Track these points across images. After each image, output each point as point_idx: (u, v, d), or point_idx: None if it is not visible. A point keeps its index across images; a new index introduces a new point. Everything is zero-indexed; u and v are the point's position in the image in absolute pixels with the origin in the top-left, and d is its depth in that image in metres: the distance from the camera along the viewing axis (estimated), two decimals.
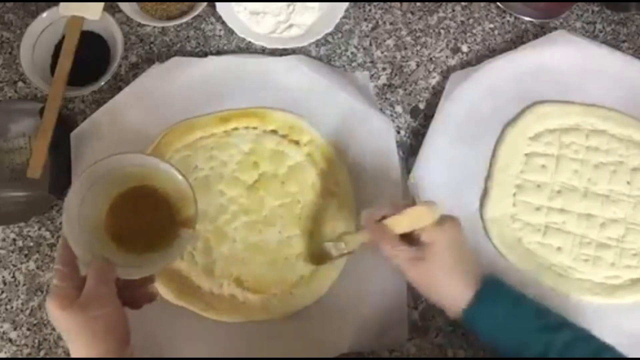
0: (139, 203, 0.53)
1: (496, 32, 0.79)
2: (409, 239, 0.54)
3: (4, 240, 0.67)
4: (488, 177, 0.69)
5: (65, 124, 0.69)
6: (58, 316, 0.45)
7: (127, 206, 0.53)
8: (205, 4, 0.75)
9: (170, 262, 0.51)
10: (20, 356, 0.63)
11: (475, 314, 0.52)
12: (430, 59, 0.77)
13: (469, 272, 0.53)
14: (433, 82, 0.76)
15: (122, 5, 0.74)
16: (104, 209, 0.52)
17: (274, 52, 0.75)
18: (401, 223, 0.54)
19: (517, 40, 0.78)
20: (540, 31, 0.78)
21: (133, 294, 0.50)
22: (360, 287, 0.63)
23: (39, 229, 0.67)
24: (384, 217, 0.54)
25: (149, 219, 0.53)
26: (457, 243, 0.54)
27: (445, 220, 0.54)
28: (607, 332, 0.63)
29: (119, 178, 0.52)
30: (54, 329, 0.63)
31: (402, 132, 0.73)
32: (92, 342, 0.45)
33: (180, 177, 0.51)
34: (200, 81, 0.71)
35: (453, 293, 0.53)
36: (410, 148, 0.72)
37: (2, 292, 0.65)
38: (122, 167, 0.51)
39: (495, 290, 0.53)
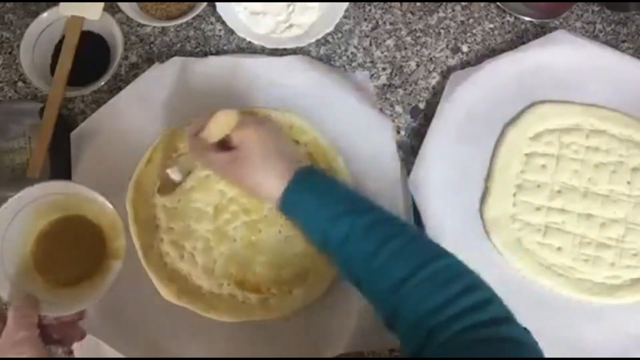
0: (67, 234, 0.50)
1: (496, 32, 0.79)
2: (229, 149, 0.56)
3: None
4: (488, 177, 0.69)
5: (65, 124, 0.69)
6: None
7: (55, 237, 0.50)
8: (205, 4, 0.75)
9: (100, 296, 0.46)
10: None
11: (286, 202, 0.53)
12: (430, 59, 0.77)
13: (283, 164, 0.54)
14: (433, 82, 0.76)
15: (122, 5, 0.74)
16: (30, 240, 0.49)
17: (274, 52, 0.75)
18: (211, 132, 0.56)
19: (517, 40, 0.78)
20: (540, 31, 0.78)
21: (62, 332, 0.47)
22: None
23: None
24: (196, 134, 0.57)
25: (78, 250, 0.51)
26: (266, 136, 0.55)
27: (249, 122, 0.56)
28: (607, 332, 0.63)
29: (45, 207, 0.49)
30: None
31: (402, 132, 0.73)
32: None
33: (109, 206, 0.49)
34: (200, 81, 0.71)
35: (269, 184, 0.54)
36: (410, 148, 0.72)
37: None
38: (47, 195, 0.48)
39: (306, 178, 0.54)
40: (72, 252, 0.51)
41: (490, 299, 0.46)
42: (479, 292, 0.46)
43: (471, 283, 0.46)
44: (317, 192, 0.53)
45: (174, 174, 0.62)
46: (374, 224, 0.51)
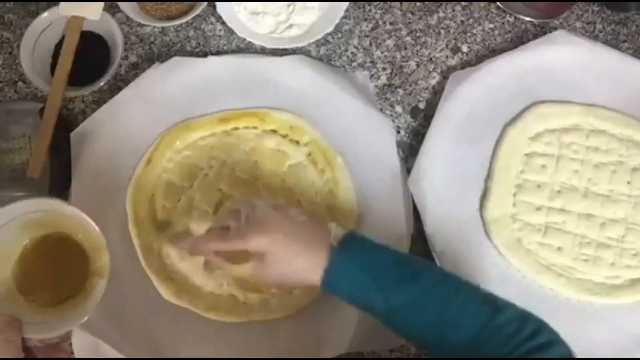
0: (49, 252, 0.49)
1: (496, 32, 0.79)
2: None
3: None
4: (488, 177, 0.69)
5: (65, 124, 0.69)
6: None
7: (38, 256, 0.49)
8: (205, 4, 0.75)
9: (85, 316, 0.46)
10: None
11: (330, 285, 0.50)
12: (430, 59, 0.77)
13: (312, 249, 0.51)
14: (433, 82, 0.76)
15: (122, 5, 0.74)
16: (12, 259, 0.48)
17: (274, 52, 0.75)
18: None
19: (517, 40, 0.78)
20: (540, 31, 0.78)
21: (47, 353, 0.46)
22: None
23: None
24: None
25: (61, 269, 0.50)
26: (280, 233, 0.51)
27: (254, 220, 0.52)
28: (607, 333, 0.63)
29: (26, 225, 0.48)
30: None
31: (402, 132, 0.73)
32: None
33: (91, 224, 0.47)
34: (200, 81, 0.71)
35: (307, 275, 0.51)
36: (410, 148, 0.72)
37: None
38: (28, 213, 0.47)
39: (343, 253, 0.51)
40: (55, 271, 0.50)
41: (555, 340, 0.46)
42: (544, 335, 0.46)
43: (536, 328, 0.46)
44: (359, 265, 0.50)
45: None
46: (428, 289, 0.49)
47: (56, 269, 0.50)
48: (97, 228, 0.48)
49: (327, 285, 0.50)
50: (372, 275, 0.50)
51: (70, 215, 0.48)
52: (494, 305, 0.48)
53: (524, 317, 0.47)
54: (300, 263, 0.51)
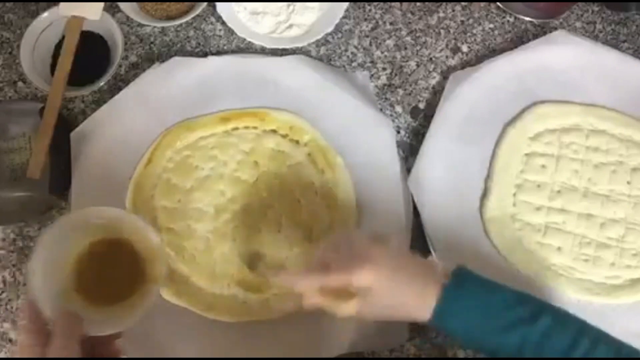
0: (108, 256, 0.51)
1: (496, 32, 0.79)
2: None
3: (4, 240, 0.67)
4: (488, 177, 0.69)
5: (65, 124, 0.69)
6: None
7: (96, 259, 0.51)
8: (205, 4, 0.75)
9: (137, 318, 0.47)
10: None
11: (441, 321, 0.49)
12: (430, 59, 0.77)
13: (419, 285, 0.50)
14: (433, 82, 0.76)
15: (122, 5, 0.74)
16: (72, 261, 0.50)
17: (274, 52, 0.75)
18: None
19: (517, 40, 0.78)
20: (540, 31, 0.78)
21: (99, 350, 0.47)
22: None
23: (39, 229, 0.67)
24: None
25: (118, 272, 0.51)
26: (387, 270, 0.49)
27: (362, 254, 0.50)
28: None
29: (87, 229, 0.50)
30: None
31: (402, 132, 0.73)
32: None
33: (152, 233, 0.49)
34: (200, 81, 0.71)
35: (414, 311, 0.50)
36: (410, 148, 0.72)
37: (2, 292, 0.65)
38: (92, 219, 0.49)
39: (456, 290, 0.49)
40: (111, 273, 0.51)
41: None
42: None
43: None
44: (474, 305, 0.49)
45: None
46: (547, 332, 0.48)
47: (112, 271, 0.51)
48: (157, 237, 0.49)
49: (437, 323, 0.49)
50: (487, 316, 0.48)
51: (131, 224, 0.50)
52: (618, 345, 0.48)
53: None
54: (407, 298, 0.49)
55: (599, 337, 0.49)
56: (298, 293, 0.51)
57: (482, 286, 0.51)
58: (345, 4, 0.75)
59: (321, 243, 0.54)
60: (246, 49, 0.76)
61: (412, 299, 0.49)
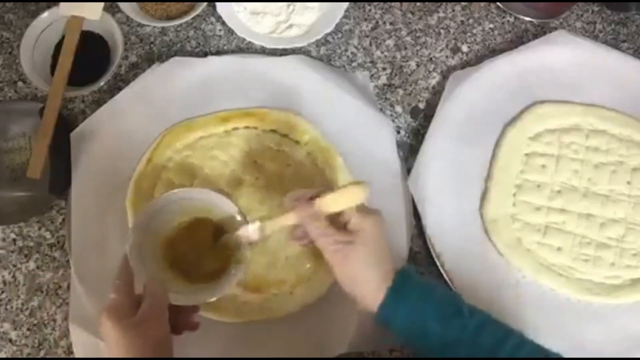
0: (198, 234, 0.55)
1: (496, 32, 0.79)
2: (334, 226, 0.52)
3: (4, 240, 0.67)
4: (488, 177, 0.69)
5: (65, 124, 0.69)
6: (110, 327, 0.46)
7: (188, 236, 0.55)
8: (205, 4, 0.75)
9: (220, 295, 0.52)
10: (20, 356, 0.63)
11: (387, 306, 0.51)
12: (430, 59, 0.77)
13: (386, 268, 0.52)
14: (433, 82, 0.76)
15: (122, 5, 0.74)
16: (166, 235, 0.54)
17: (274, 52, 0.75)
18: (334, 202, 0.52)
19: (517, 40, 0.78)
20: (540, 31, 0.78)
21: (177, 320, 0.51)
22: None
23: (39, 229, 0.67)
24: (311, 198, 0.52)
25: (205, 251, 0.55)
26: (382, 235, 0.52)
27: (372, 211, 0.53)
28: (607, 333, 0.63)
29: (185, 208, 0.54)
30: (54, 329, 0.63)
31: (402, 132, 0.73)
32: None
33: (246, 222, 0.53)
34: (200, 81, 0.71)
35: (370, 287, 0.51)
36: (410, 148, 0.72)
37: (2, 292, 0.65)
38: (191, 198, 0.54)
39: (405, 281, 0.51)
40: (199, 251, 0.55)
41: None
42: None
43: None
44: (418, 295, 0.51)
45: (254, 233, 0.53)
46: (480, 327, 0.50)
47: (200, 249, 0.55)
48: (244, 220, 0.53)
49: (384, 311, 0.51)
50: (431, 305, 0.51)
51: (222, 207, 0.54)
52: (546, 351, 0.50)
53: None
54: (371, 275, 0.51)
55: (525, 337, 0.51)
56: (295, 221, 0.53)
57: (424, 281, 0.53)
58: (345, 4, 0.75)
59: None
60: (246, 49, 0.76)
61: (376, 277, 0.51)
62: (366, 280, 0.52)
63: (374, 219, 0.52)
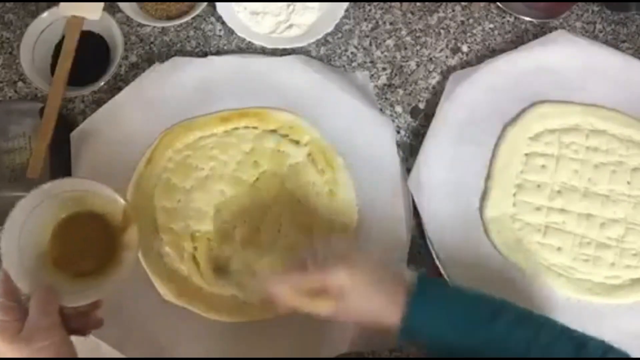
0: (82, 228, 0.52)
1: (496, 32, 0.79)
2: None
3: None
4: (488, 177, 0.69)
5: (65, 124, 0.69)
6: (5, 348, 0.43)
7: (70, 231, 0.52)
8: (205, 4, 0.75)
9: (116, 286, 0.49)
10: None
11: (410, 327, 0.49)
12: (430, 59, 0.77)
13: (390, 291, 0.50)
14: (433, 82, 0.76)
15: (122, 5, 0.74)
16: (46, 234, 0.51)
17: (274, 52, 0.75)
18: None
19: (517, 40, 0.78)
20: (540, 31, 0.78)
21: (79, 321, 0.49)
22: None
23: None
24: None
25: (92, 243, 0.53)
26: (362, 276, 0.51)
27: (338, 262, 0.51)
28: (607, 332, 0.63)
29: (60, 203, 0.51)
30: None
31: (402, 132, 0.73)
32: None
33: (120, 200, 0.51)
34: (200, 81, 0.71)
35: (386, 315, 0.50)
36: (410, 148, 0.72)
37: None
38: (62, 192, 0.51)
39: (422, 295, 0.50)
40: (85, 245, 0.53)
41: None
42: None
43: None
44: (440, 306, 0.50)
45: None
46: (511, 327, 0.49)
47: (86, 243, 0.53)
48: (123, 201, 0.51)
49: (406, 326, 0.49)
50: (456, 314, 0.50)
51: (97, 193, 0.51)
52: (578, 340, 0.49)
53: (607, 350, 0.49)
54: (378, 300, 0.50)
55: (562, 332, 0.50)
56: (274, 296, 0.52)
57: (446, 287, 0.53)
58: (345, 4, 0.75)
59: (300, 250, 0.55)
60: (246, 49, 0.76)
61: (384, 301, 0.50)
62: (377, 316, 0.50)
63: (343, 273, 0.50)
